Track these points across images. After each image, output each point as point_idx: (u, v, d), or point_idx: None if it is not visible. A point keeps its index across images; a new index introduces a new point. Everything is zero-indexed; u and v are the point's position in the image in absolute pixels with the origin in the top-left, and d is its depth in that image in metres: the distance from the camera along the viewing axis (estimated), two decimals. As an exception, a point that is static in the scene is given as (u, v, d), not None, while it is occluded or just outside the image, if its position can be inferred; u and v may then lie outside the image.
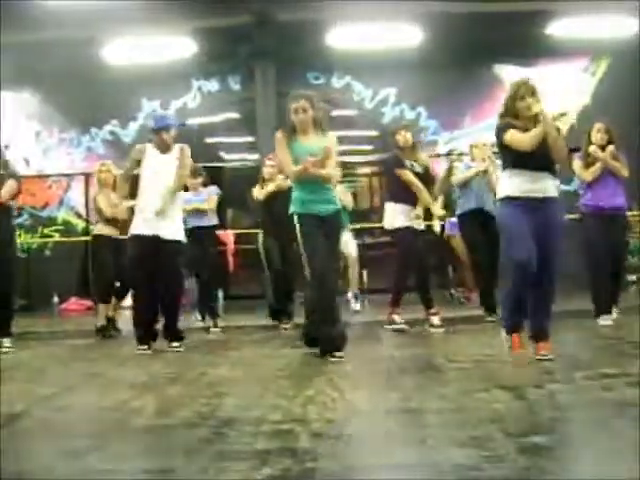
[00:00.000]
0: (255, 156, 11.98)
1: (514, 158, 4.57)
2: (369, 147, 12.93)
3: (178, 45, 11.25)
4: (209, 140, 13.02)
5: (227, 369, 4.92)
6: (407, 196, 6.62)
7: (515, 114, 4.61)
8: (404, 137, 6.71)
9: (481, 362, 4.69)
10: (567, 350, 5.02)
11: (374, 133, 12.58)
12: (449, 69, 11.60)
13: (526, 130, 4.51)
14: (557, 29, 11.12)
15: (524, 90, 4.57)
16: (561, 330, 6.08)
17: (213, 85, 12.35)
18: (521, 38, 11.09)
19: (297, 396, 3.71)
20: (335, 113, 12.69)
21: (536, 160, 4.49)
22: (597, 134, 6.52)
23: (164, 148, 6.04)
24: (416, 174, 6.65)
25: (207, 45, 11.32)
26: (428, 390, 3.80)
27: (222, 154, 13.23)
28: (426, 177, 6.81)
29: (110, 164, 7.64)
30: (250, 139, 12.40)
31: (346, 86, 12.21)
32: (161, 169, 5.97)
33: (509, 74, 11.99)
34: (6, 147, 12.65)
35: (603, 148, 6.43)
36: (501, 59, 11.92)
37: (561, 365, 4.39)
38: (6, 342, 6.31)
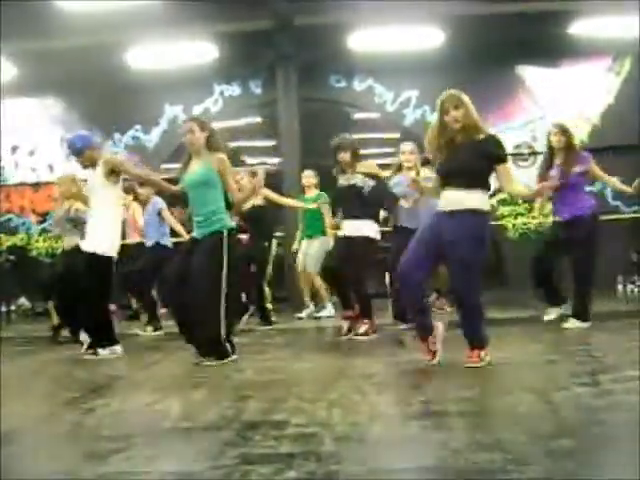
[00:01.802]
0: (277, 159, 12.01)
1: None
2: (391, 150, 12.92)
3: (200, 50, 11.31)
4: (231, 144, 13.08)
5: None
6: None
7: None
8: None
9: (503, 365, 4.66)
10: (593, 352, 4.98)
11: (396, 135, 12.56)
12: (471, 70, 11.55)
13: (452, 142, 4.54)
14: (580, 29, 11.03)
15: (448, 103, 4.66)
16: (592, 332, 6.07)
17: (235, 89, 12.40)
18: (543, 38, 11.02)
19: (320, 399, 3.71)
20: (357, 116, 12.71)
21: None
22: (553, 137, 6.57)
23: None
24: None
25: (229, 49, 11.36)
26: (451, 393, 3.78)
27: (244, 158, 13.29)
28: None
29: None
30: (272, 143, 12.44)
31: (368, 89, 12.20)
32: None
33: (532, 75, 11.94)
34: (31, 153, 12.85)
35: (563, 150, 6.48)
36: (523, 60, 11.85)
37: (587, 368, 4.35)
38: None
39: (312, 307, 9.12)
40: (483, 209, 4.49)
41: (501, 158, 4.57)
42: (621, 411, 3.24)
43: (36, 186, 12.83)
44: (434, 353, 4.61)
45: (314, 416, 3.35)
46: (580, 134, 11.78)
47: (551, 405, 3.41)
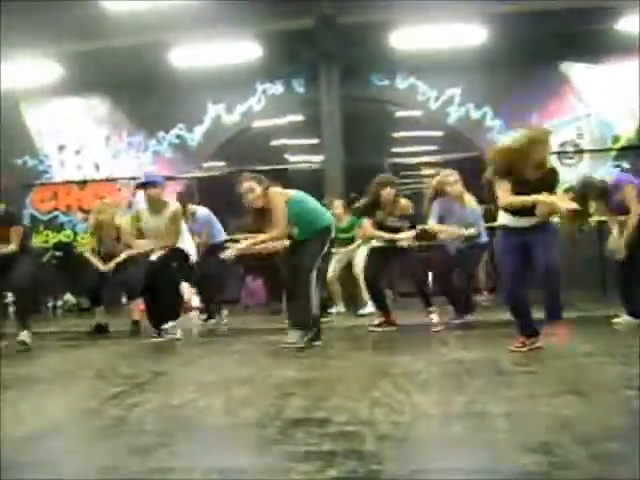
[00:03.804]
0: (320, 157, 12.02)
1: None
2: (434, 147, 12.85)
3: (243, 48, 11.36)
4: (274, 143, 13.14)
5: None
6: None
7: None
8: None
9: (548, 365, 4.60)
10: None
11: (439, 134, 12.48)
12: (514, 68, 11.44)
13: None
14: (625, 25, 10.82)
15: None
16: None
17: (277, 88, 12.44)
18: (588, 35, 10.85)
19: (363, 398, 3.70)
20: (399, 114, 12.66)
21: None
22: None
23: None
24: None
25: (271, 48, 11.40)
26: (494, 393, 3.74)
27: (287, 156, 13.33)
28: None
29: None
30: (314, 141, 12.45)
31: (410, 87, 12.14)
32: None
33: (577, 72, 11.76)
34: (77, 152, 13.07)
35: None
36: (568, 57, 11.68)
37: (637, 370, 4.27)
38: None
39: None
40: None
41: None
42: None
43: (82, 184, 13.04)
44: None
45: (356, 414, 3.35)
46: (628, 132, 11.60)
47: (596, 407, 3.35)
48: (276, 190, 6.11)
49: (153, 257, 7.12)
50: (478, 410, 3.36)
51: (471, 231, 7.22)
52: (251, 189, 6.01)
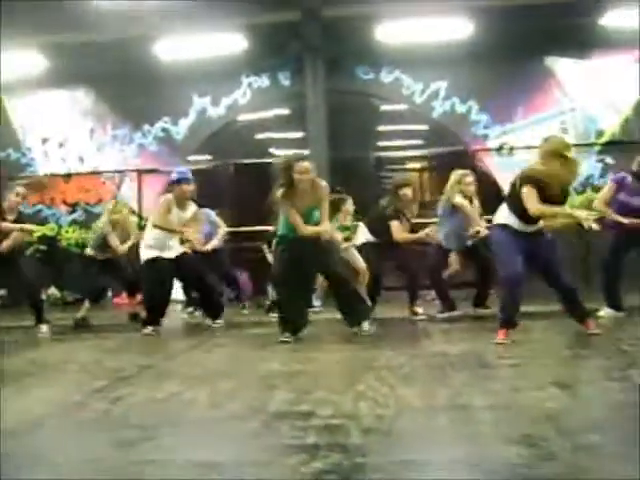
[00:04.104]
0: (305, 151, 12.00)
1: None
2: (419, 142, 12.86)
3: (228, 41, 11.31)
4: (259, 136, 13.10)
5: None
6: None
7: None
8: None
9: (530, 359, 4.63)
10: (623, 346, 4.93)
11: (424, 127, 12.49)
12: (500, 62, 11.44)
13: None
14: (610, 20, 10.85)
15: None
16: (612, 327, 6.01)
17: (263, 81, 12.39)
18: (574, 29, 10.86)
19: (347, 391, 3.71)
20: (384, 108, 12.66)
21: None
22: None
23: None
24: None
25: (257, 41, 11.36)
26: (479, 386, 3.76)
27: (272, 150, 13.30)
28: None
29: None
30: (300, 135, 12.43)
31: (395, 80, 12.13)
32: None
33: (562, 66, 11.80)
34: (61, 145, 12.99)
35: None
36: (553, 51, 11.70)
37: (617, 362, 4.31)
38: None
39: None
40: None
41: None
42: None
43: (66, 177, 12.95)
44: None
45: (340, 407, 3.35)
46: (612, 127, 11.66)
47: (579, 400, 3.38)
48: (324, 183, 6.23)
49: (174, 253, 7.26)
50: (462, 403, 3.38)
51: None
52: (308, 170, 6.02)
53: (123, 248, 8.22)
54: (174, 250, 7.25)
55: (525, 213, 5.28)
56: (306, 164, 6.04)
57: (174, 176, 7.23)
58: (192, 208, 7.31)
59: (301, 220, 6.09)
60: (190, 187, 7.15)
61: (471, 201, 7.42)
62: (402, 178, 7.86)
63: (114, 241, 8.21)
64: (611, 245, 6.87)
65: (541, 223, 5.45)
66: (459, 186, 7.37)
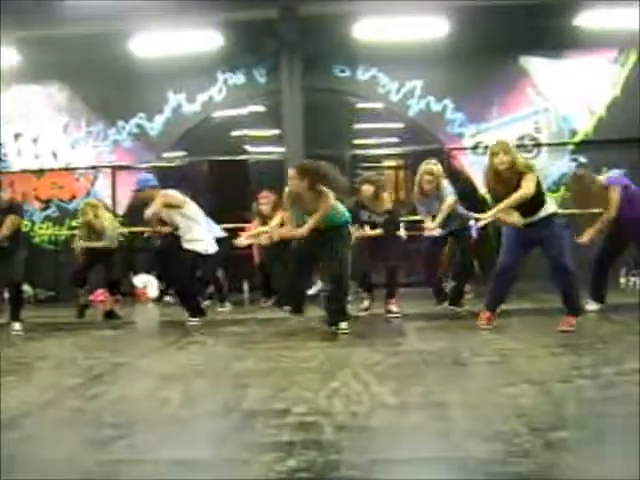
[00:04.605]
0: (281, 149, 12.00)
1: None
2: (395, 140, 12.91)
3: (204, 38, 11.26)
4: (234, 133, 13.07)
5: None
6: None
7: None
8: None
9: (504, 356, 4.67)
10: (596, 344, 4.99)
11: (400, 126, 12.53)
12: (475, 61, 11.50)
13: None
14: (585, 20, 10.96)
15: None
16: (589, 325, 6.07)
17: (239, 78, 12.36)
18: (548, 30, 10.95)
19: (322, 389, 3.72)
20: (360, 106, 12.68)
21: None
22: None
23: None
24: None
25: (233, 38, 11.32)
26: (452, 383, 3.79)
27: (247, 147, 13.27)
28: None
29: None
30: (276, 132, 12.42)
31: (371, 79, 12.15)
32: None
33: (536, 66, 11.89)
34: (34, 140, 12.86)
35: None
36: (528, 51, 11.79)
37: (589, 360, 4.36)
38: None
39: None
40: None
41: None
42: (621, 404, 3.24)
43: (39, 173, 12.82)
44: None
45: (315, 405, 3.36)
46: (586, 126, 11.78)
47: (552, 397, 3.41)
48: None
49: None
50: (436, 400, 3.40)
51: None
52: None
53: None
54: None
55: (520, 207, 5.60)
56: (291, 172, 6.16)
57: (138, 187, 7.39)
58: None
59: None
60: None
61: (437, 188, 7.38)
62: (366, 175, 7.83)
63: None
64: (605, 238, 7.11)
65: (541, 213, 5.67)
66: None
